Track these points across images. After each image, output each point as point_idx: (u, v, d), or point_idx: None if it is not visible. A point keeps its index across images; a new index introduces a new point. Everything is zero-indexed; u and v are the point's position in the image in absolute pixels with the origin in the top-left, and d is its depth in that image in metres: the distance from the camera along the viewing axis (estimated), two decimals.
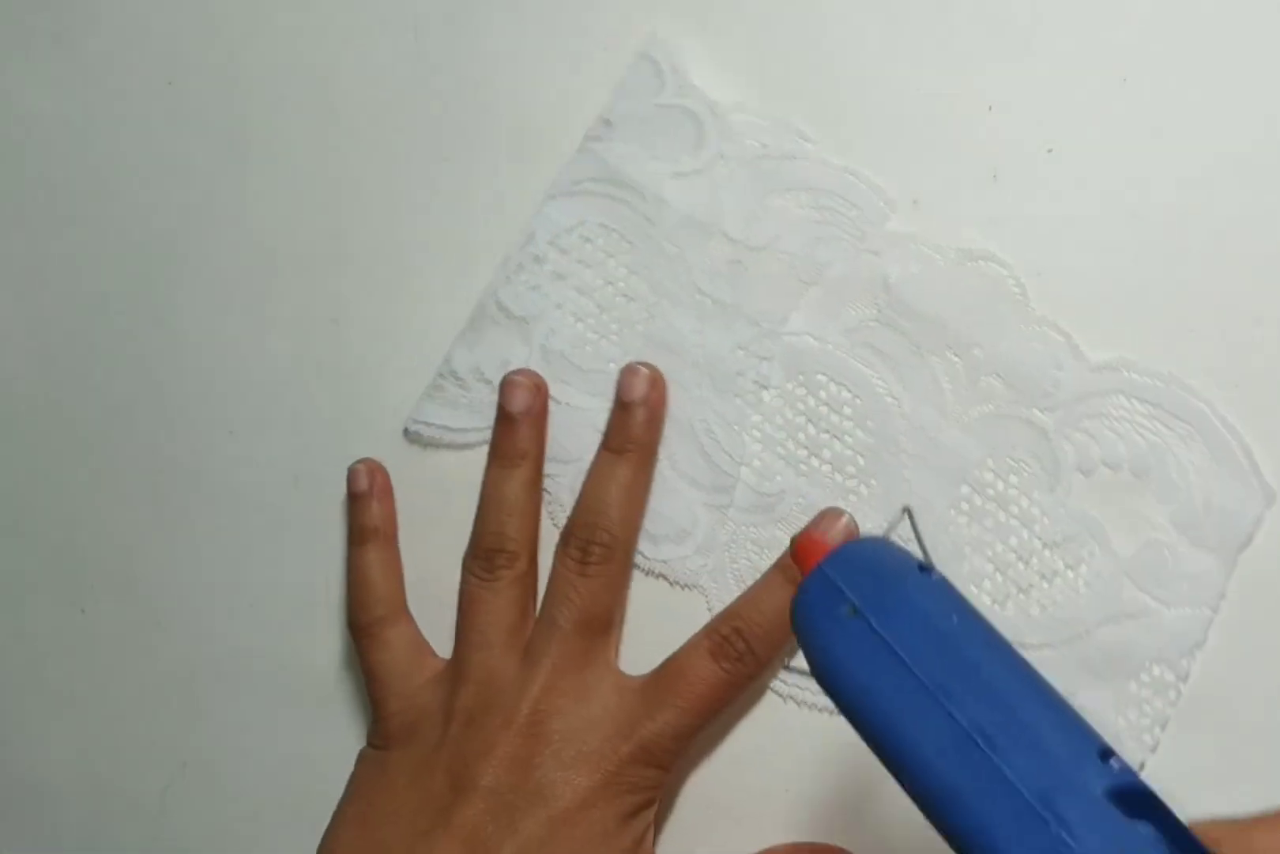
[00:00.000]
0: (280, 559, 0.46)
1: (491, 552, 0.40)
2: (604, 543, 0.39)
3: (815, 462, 0.39)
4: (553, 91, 0.43)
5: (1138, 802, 0.22)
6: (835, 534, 0.38)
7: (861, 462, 0.39)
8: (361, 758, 0.41)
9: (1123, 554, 0.37)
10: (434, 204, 0.44)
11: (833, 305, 0.39)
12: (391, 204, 0.45)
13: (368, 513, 0.43)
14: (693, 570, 0.40)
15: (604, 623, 0.39)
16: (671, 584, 0.41)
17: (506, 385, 0.42)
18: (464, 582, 0.41)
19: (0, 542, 0.49)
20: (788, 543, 0.39)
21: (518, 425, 0.41)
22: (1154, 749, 0.36)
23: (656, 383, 0.41)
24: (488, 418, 0.42)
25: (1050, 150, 0.38)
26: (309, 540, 0.45)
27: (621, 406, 0.40)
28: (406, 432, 0.43)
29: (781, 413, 0.40)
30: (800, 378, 0.39)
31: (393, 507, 0.44)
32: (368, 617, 0.42)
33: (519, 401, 0.41)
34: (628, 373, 0.41)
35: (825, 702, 0.39)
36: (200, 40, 0.47)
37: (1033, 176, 0.38)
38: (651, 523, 0.41)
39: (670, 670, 0.38)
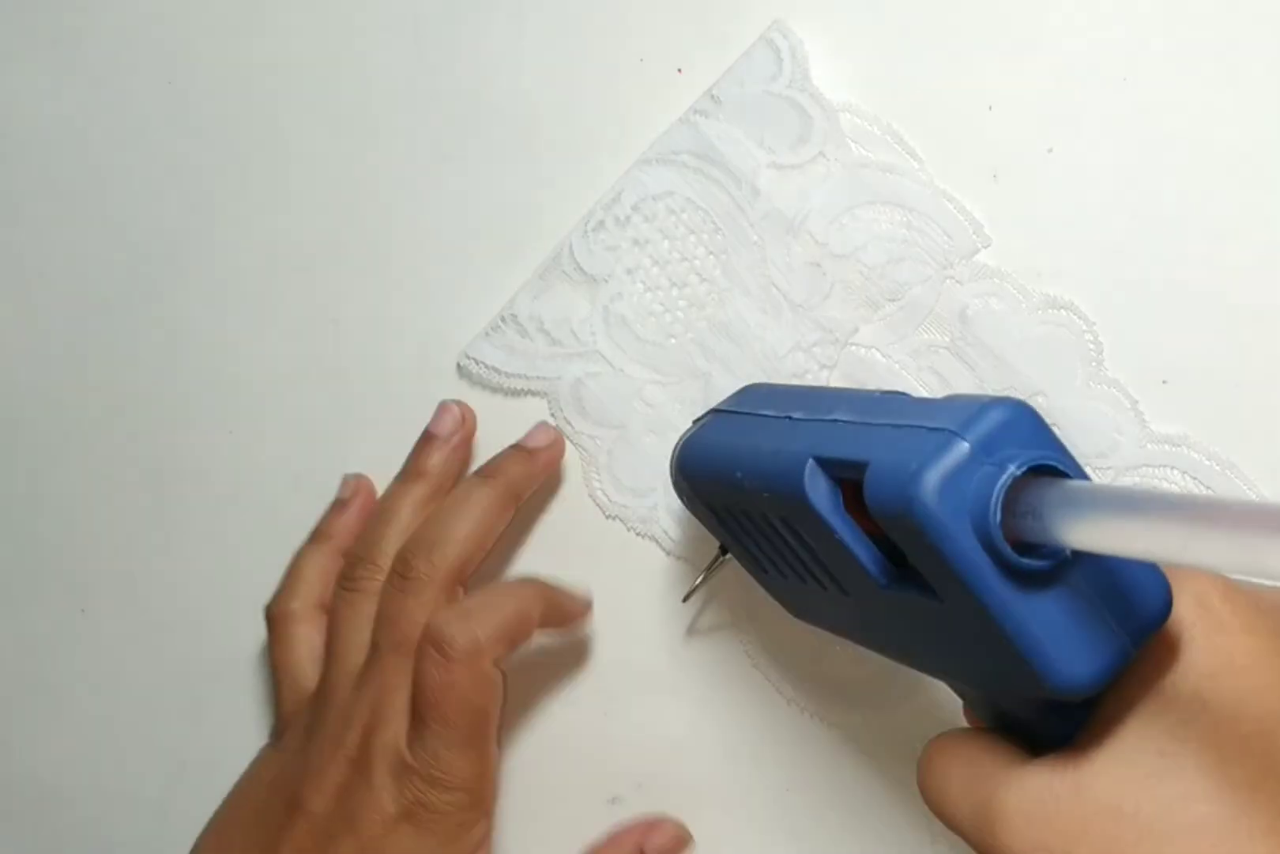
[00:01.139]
0: (280, 559, 0.46)
1: (358, 560, 0.41)
2: (428, 559, 0.38)
3: None
4: (553, 91, 0.43)
5: None
6: None
7: None
8: (256, 756, 0.42)
9: None
10: (434, 204, 0.44)
11: (905, 325, 0.39)
12: (392, 204, 0.45)
13: (335, 522, 0.43)
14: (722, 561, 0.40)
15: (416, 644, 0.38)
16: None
17: (440, 409, 0.42)
18: (333, 595, 0.41)
19: (0, 542, 0.50)
20: None
21: (434, 447, 0.42)
22: None
23: (556, 445, 0.41)
24: (537, 368, 0.42)
25: (1050, 150, 0.38)
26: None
27: (513, 447, 0.41)
28: (459, 366, 0.43)
29: None
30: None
31: (362, 525, 0.44)
32: (282, 607, 0.42)
33: (444, 426, 0.42)
34: (539, 428, 0.41)
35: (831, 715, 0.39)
36: (200, 40, 0.47)
37: (1033, 176, 0.38)
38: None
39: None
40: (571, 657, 0.42)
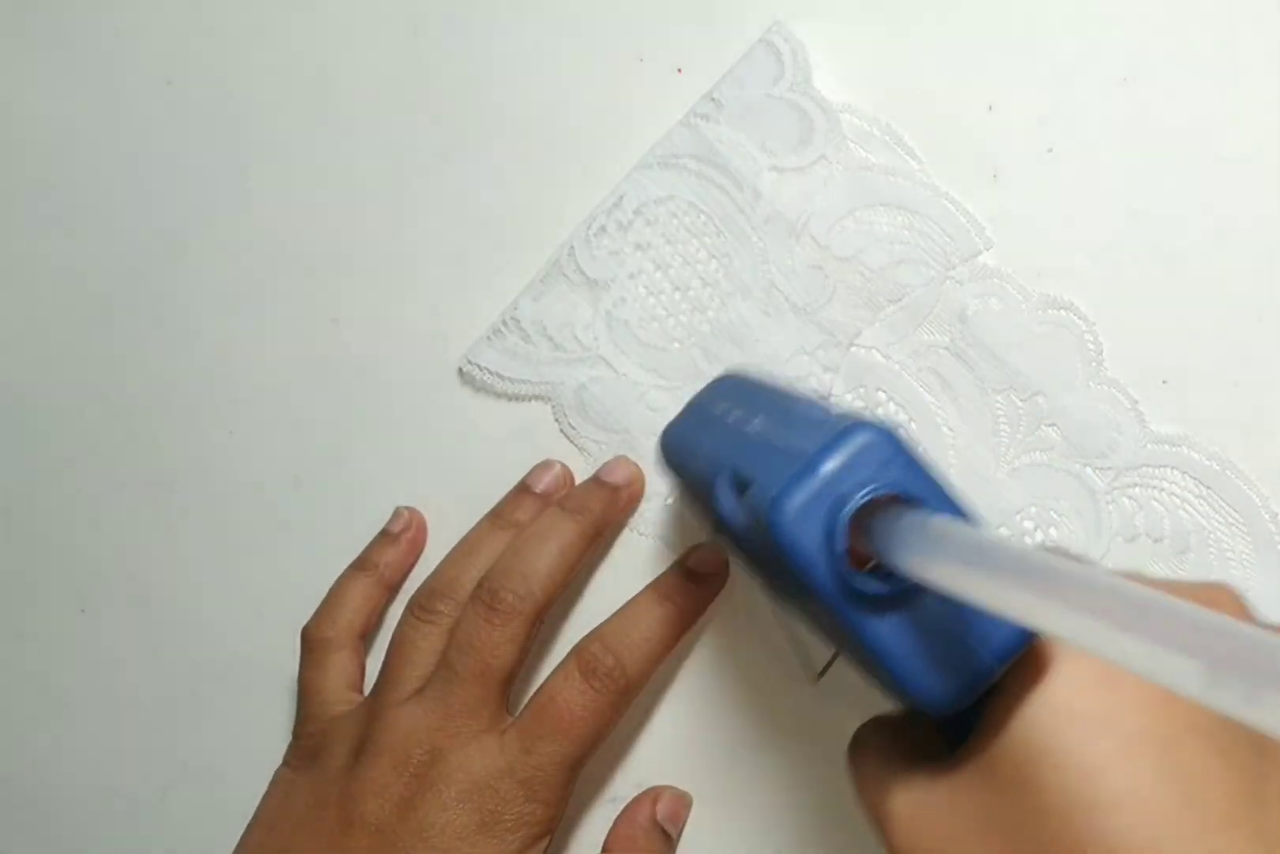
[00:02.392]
0: (280, 559, 0.46)
1: (438, 594, 0.40)
2: (518, 593, 0.38)
3: None
4: (553, 92, 0.43)
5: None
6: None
7: None
8: (274, 779, 0.42)
9: None
10: (434, 204, 0.44)
11: (905, 325, 0.39)
12: (391, 204, 0.45)
13: (383, 552, 0.43)
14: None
15: (502, 674, 0.39)
16: None
17: (541, 465, 0.42)
18: (400, 620, 0.41)
19: (1, 542, 0.49)
20: None
21: (528, 499, 0.42)
22: None
23: (636, 481, 0.41)
24: (540, 373, 0.42)
25: (1050, 150, 0.38)
26: (309, 540, 0.45)
27: (595, 481, 0.41)
28: (460, 371, 0.43)
29: None
30: (860, 390, 0.39)
31: (411, 559, 0.44)
32: (319, 633, 0.43)
33: (542, 482, 0.42)
34: (618, 460, 0.41)
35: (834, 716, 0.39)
36: (200, 40, 0.47)
37: (1033, 176, 0.38)
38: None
39: (542, 699, 0.38)
40: None
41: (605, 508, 0.40)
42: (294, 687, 0.44)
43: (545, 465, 0.42)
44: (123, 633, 0.48)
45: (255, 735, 0.46)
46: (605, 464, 0.41)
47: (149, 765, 0.47)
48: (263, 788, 0.42)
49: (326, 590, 0.44)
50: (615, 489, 0.41)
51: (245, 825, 0.41)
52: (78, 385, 0.48)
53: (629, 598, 0.41)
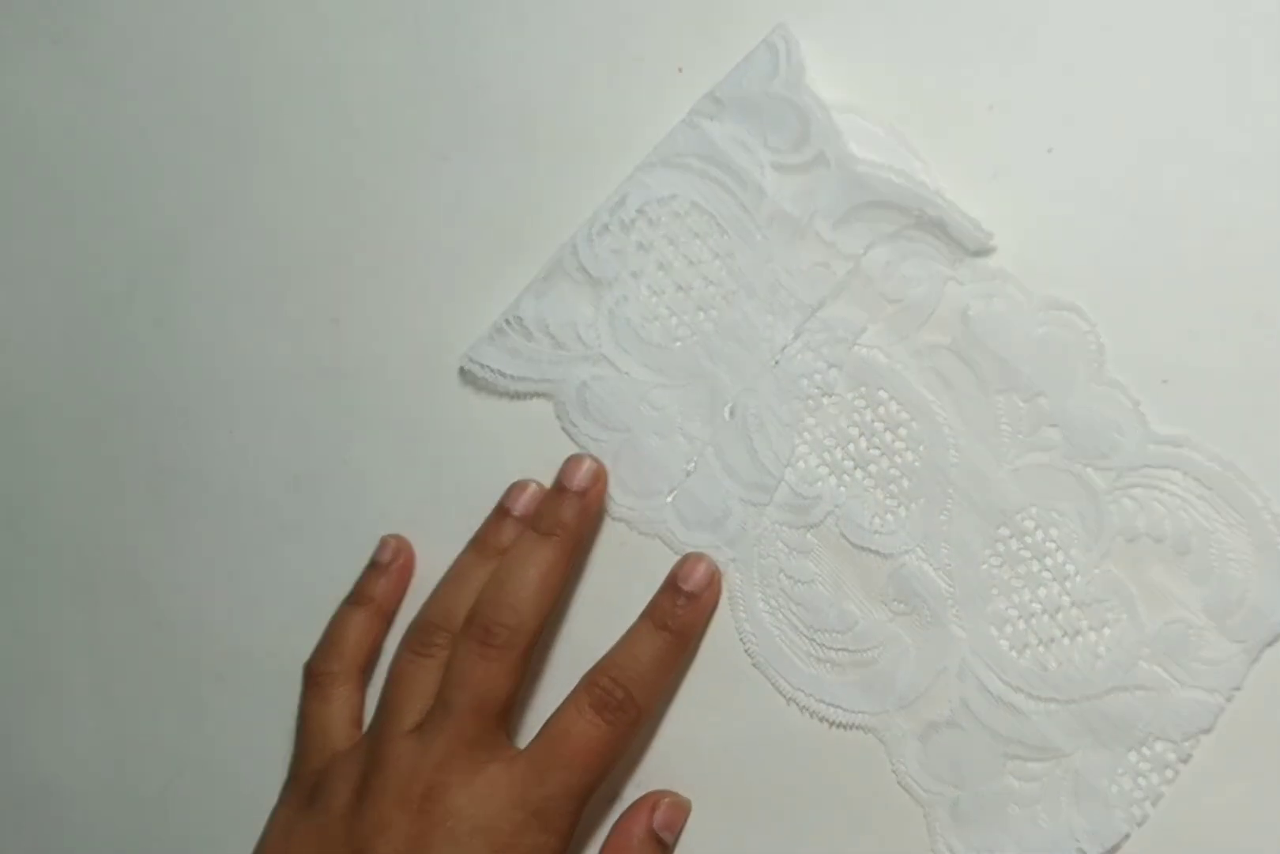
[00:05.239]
0: (280, 559, 0.46)
1: (433, 627, 0.41)
2: (509, 626, 0.39)
3: (859, 474, 0.39)
4: (553, 92, 0.43)
5: None
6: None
7: (905, 484, 0.39)
8: (272, 819, 0.42)
9: (1148, 626, 0.36)
10: (434, 204, 0.44)
11: (907, 325, 0.39)
12: (392, 204, 0.45)
13: (375, 584, 0.44)
14: (720, 560, 0.40)
15: (499, 706, 0.39)
16: None
17: (514, 487, 0.42)
18: (397, 655, 0.41)
19: (2, 542, 0.50)
20: (816, 548, 0.39)
21: (506, 524, 0.42)
22: (1141, 823, 0.35)
23: (599, 477, 0.41)
24: (542, 370, 0.42)
25: (1050, 150, 0.38)
26: (309, 540, 0.46)
27: (559, 490, 0.41)
28: (461, 370, 0.43)
29: (836, 421, 0.39)
30: (862, 390, 0.39)
31: (403, 588, 0.44)
32: (322, 667, 0.43)
33: (519, 504, 0.42)
34: (573, 462, 0.41)
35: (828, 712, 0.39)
36: (200, 40, 0.47)
37: (1033, 176, 0.38)
38: (688, 507, 0.41)
39: (554, 731, 0.38)
40: (572, 656, 0.42)
41: (578, 518, 0.40)
42: (293, 685, 0.45)
43: (520, 486, 0.42)
44: (123, 632, 0.48)
45: (255, 735, 0.46)
46: (564, 466, 0.41)
47: (149, 765, 0.47)
48: (262, 787, 0.42)
49: (325, 590, 0.44)
50: (582, 494, 0.41)
51: (246, 825, 0.41)
52: (78, 385, 0.49)
53: (625, 600, 0.41)
